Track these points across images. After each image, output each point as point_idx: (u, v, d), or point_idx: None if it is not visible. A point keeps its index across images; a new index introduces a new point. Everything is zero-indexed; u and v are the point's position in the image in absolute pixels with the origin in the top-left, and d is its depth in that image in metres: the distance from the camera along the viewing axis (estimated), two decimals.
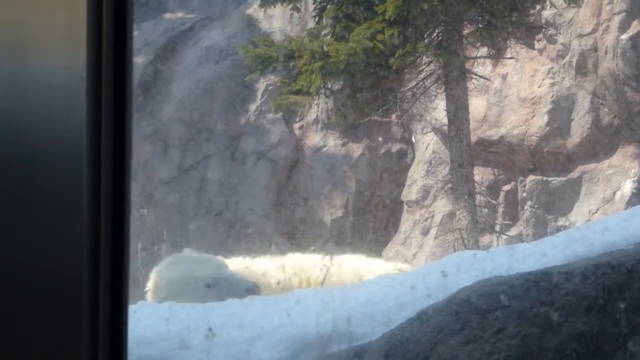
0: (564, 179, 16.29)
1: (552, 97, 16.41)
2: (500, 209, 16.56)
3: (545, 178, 16.40)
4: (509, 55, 15.75)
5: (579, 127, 16.23)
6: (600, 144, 16.10)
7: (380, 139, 18.13)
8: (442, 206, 16.71)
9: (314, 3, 13.95)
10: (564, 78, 16.43)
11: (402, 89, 14.42)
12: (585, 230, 4.84)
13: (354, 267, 8.12)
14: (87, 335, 1.77)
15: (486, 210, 15.98)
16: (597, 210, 15.76)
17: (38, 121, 1.71)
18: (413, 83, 14.23)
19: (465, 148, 13.51)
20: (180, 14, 19.99)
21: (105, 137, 1.75)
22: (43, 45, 1.74)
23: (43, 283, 1.73)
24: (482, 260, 4.76)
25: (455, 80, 13.52)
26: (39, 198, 1.70)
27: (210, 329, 4.29)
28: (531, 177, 16.47)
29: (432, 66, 13.94)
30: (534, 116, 16.51)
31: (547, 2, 13.91)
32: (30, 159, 1.71)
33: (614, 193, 15.82)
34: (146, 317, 4.43)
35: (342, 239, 17.67)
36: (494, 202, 16.48)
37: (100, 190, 1.74)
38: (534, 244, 5.26)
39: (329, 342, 4.32)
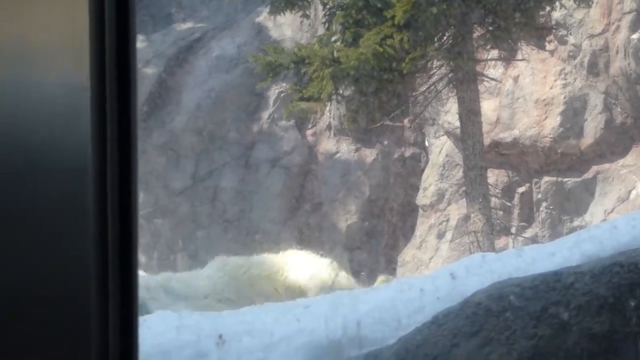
0: (579, 179, 16.25)
1: (564, 98, 16.38)
2: (516, 211, 16.53)
3: (559, 179, 16.36)
4: (520, 57, 15.73)
5: (592, 127, 16.20)
6: (614, 143, 16.06)
7: (393, 143, 18.12)
8: (456, 209, 16.69)
9: (323, 9, 13.96)
10: (575, 79, 16.40)
11: (413, 93, 14.41)
12: (595, 231, 4.84)
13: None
14: (96, 347, 1.76)
15: (501, 212, 15.95)
16: (612, 210, 15.72)
17: (41, 135, 1.71)
18: (424, 87, 14.21)
19: (478, 151, 13.49)
20: (189, 24, 20.02)
21: (110, 149, 1.75)
22: (44, 56, 1.73)
23: (49, 298, 1.72)
24: (491, 263, 4.76)
25: (466, 83, 13.50)
26: (45, 213, 1.70)
27: (220, 337, 4.29)
28: (545, 179, 16.44)
29: (443, 69, 13.92)
30: (546, 117, 16.49)
31: (557, 3, 13.87)
32: (34, 173, 1.70)
33: (629, 192, 15.77)
34: (156, 326, 4.45)
35: (357, 244, 17.65)
36: (508, 204, 16.45)
37: (107, 203, 1.74)
38: (543, 246, 5.27)
39: (341, 347, 4.32)
